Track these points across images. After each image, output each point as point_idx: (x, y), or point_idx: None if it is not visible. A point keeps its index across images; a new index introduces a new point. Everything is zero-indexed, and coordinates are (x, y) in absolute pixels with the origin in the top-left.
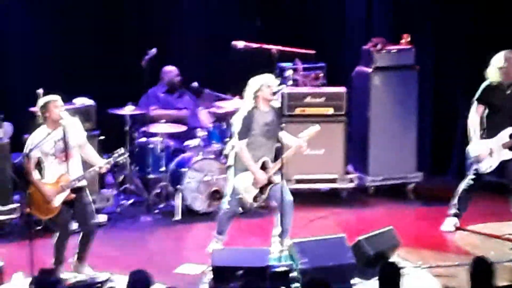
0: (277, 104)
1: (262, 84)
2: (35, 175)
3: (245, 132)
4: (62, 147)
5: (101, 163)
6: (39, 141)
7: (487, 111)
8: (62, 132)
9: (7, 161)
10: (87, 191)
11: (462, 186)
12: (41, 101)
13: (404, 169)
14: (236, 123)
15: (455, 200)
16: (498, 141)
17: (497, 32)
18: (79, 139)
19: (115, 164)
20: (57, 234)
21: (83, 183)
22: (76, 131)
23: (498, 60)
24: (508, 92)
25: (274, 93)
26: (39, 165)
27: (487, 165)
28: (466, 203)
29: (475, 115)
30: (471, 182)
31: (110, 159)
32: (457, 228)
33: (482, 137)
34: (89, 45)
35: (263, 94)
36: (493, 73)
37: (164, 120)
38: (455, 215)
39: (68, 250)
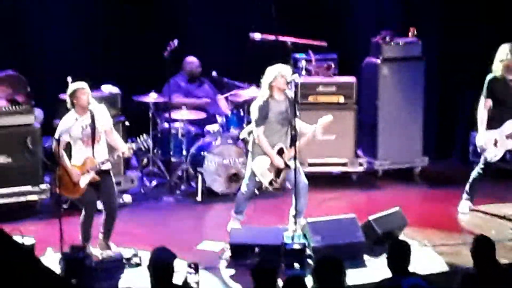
0: (290, 93)
1: (276, 75)
2: (64, 158)
3: (261, 119)
4: (89, 132)
5: (124, 148)
6: (69, 127)
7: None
8: (89, 117)
9: (39, 145)
10: (112, 174)
11: (473, 175)
12: (69, 88)
13: (411, 154)
14: (253, 111)
15: (467, 187)
16: (502, 132)
17: (500, 26)
18: (106, 125)
19: (138, 149)
20: (83, 213)
21: (108, 166)
22: (103, 117)
23: (500, 53)
24: (510, 84)
25: (288, 83)
26: (68, 148)
27: (493, 155)
28: (476, 190)
29: (483, 109)
30: (481, 171)
31: (133, 144)
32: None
33: (487, 128)
34: (116, 36)
35: (277, 83)
36: (495, 66)
37: (185, 107)
38: (468, 200)
39: (95, 227)
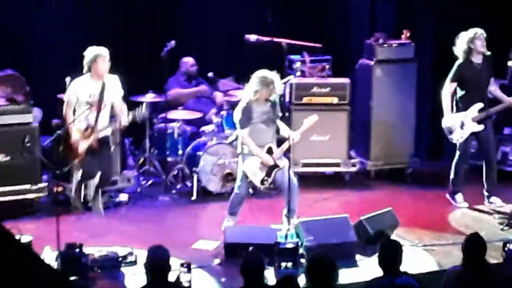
0: (280, 92)
1: (263, 84)
2: (70, 119)
3: (245, 121)
4: (96, 99)
5: (124, 118)
6: (79, 89)
7: (459, 87)
8: (100, 86)
9: (37, 144)
10: (111, 146)
11: (453, 165)
12: (90, 52)
13: (403, 155)
14: (237, 114)
15: (452, 180)
16: (468, 115)
17: (493, 28)
18: (115, 97)
19: (134, 119)
20: (78, 174)
21: (107, 132)
22: (114, 88)
23: (465, 39)
24: (479, 68)
25: (272, 92)
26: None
27: (458, 136)
28: (462, 180)
29: (448, 93)
30: (458, 158)
31: (130, 115)
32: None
33: (454, 111)
34: (114, 37)
35: (262, 93)
36: (460, 53)
37: (181, 107)
38: (456, 192)
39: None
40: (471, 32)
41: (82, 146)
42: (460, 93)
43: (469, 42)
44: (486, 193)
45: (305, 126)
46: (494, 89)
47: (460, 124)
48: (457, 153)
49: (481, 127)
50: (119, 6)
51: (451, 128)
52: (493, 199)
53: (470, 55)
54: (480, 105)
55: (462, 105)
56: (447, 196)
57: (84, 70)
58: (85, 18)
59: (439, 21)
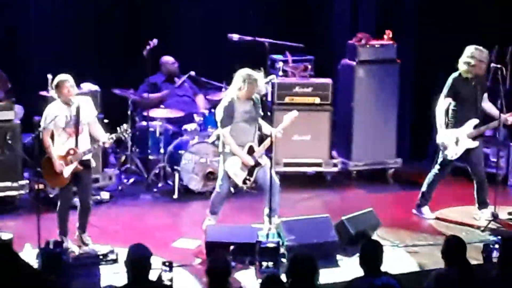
0: (264, 91)
1: (246, 82)
2: (50, 147)
3: (227, 120)
4: (73, 123)
5: (104, 138)
6: (54, 116)
7: (453, 103)
8: (75, 109)
9: (18, 141)
10: (91, 169)
11: (430, 177)
12: (55, 80)
13: (385, 155)
14: (218, 113)
15: (425, 191)
16: (463, 131)
17: (476, 31)
18: (90, 117)
19: (118, 140)
20: (59, 204)
21: (89, 157)
22: (87, 109)
23: (465, 54)
24: (473, 84)
25: (255, 90)
26: (51, 138)
27: (453, 153)
28: (432, 192)
29: (443, 108)
30: (438, 172)
31: (113, 135)
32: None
33: (449, 127)
34: (96, 34)
35: (245, 91)
36: (460, 66)
37: (162, 106)
38: (424, 204)
39: (72, 223)
40: (471, 50)
41: (67, 172)
42: (453, 108)
43: (468, 60)
44: (477, 206)
45: (285, 122)
46: (489, 106)
47: (455, 140)
48: (437, 167)
49: (476, 143)
50: (103, 4)
51: (445, 144)
52: (484, 212)
53: (467, 72)
54: (475, 121)
55: (455, 120)
56: (414, 211)
57: (55, 97)
58: (68, 15)
59: (422, 22)
